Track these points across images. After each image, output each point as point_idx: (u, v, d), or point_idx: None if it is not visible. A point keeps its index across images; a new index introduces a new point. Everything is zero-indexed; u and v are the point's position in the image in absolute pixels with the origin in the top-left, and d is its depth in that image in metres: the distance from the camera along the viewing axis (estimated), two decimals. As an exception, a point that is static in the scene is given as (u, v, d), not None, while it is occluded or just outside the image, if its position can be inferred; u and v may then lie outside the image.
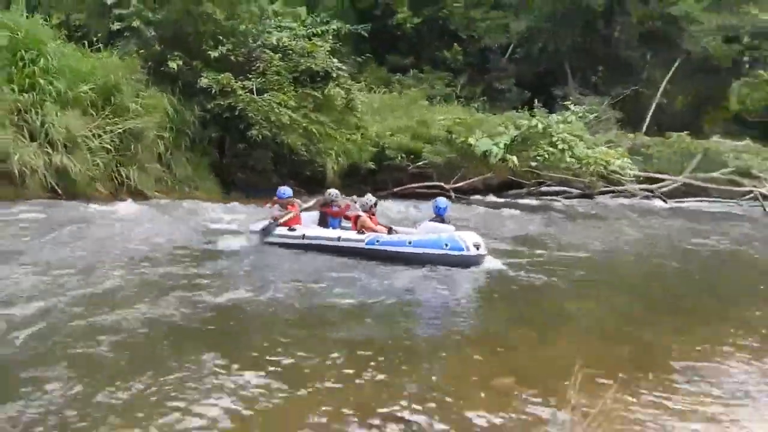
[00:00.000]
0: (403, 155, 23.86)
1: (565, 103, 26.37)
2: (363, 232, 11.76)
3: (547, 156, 22.97)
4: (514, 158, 22.85)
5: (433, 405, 5.07)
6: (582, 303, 9.38)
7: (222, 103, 18.92)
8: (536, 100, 30.11)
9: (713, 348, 7.04)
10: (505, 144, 22.92)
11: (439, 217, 11.72)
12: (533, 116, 23.87)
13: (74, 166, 15.84)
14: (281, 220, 12.19)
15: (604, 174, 23.99)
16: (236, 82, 19.09)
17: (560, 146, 22.95)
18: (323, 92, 20.48)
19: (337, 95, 20.62)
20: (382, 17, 30.72)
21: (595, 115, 30.15)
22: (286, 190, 12.81)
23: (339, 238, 11.78)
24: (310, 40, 21.59)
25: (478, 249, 11.01)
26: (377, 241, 11.46)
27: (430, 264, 10.79)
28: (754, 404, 5.52)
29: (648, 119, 36.08)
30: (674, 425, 5.01)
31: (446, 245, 10.95)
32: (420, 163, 24.05)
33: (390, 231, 11.89)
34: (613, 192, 26.92)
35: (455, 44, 31.70)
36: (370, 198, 12.50)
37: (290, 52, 20.70)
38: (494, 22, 32.64)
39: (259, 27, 21.26)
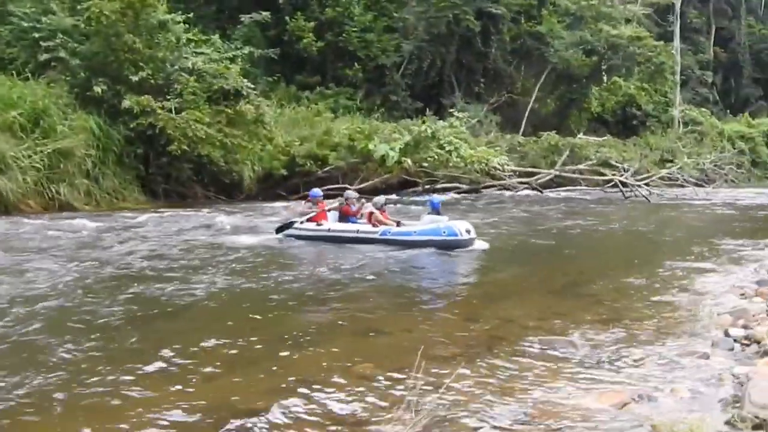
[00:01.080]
0: (311, 162, 24.03)
1: (451, 110, 27.06)
2: (377, 226, 13.04)
3: (436, 157, 23.70)
4: (409, 160, 23.46)
5: (293, 394, 4.79)
6: (457, 284, 9.75)
7: (143, 122, 19.03)
8: (427, 109, 30.76)
9: (566, 322, 6.99)
10: (399, 148, 23.57)
11: (435, 210, 13.17)
12: (423, 123, 24.44)
13: (5, 184, 15.53)
14: (309, 216, 13.42)
15: (486, 170, 24.70)
16: (156, 102, 19.05)
17: (447, 148, 23.71)
18: (235, 109, 20.56)
19: (248, 111, 20.75)
20: (290, 42, 30.86)
21: (477, 120, 31.05)
22: (317, 191, 14.36)
23: (358, 231, 13.11)
24: (222, 63, 21.58)
25: (469, 234, 12.55)
26: (389, 232, 12.89)
27: (432, 248, 12.31)
28: (600, 372, 5.39)
29: (524, 122, 37.40)
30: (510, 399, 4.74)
31: (444, 232, 12.46)
32: (327, 168, 24.31)
33: (398, 224, 13.17)
34: (494, 186, 27.66)
35: (355, 63, 32.04)
36: (381, 198, 14.11)
37: (204, 74, 20.80)
38: (386, 43, 33.17)
39: (175, 53, 21.15)
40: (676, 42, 49.72)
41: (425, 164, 24.37)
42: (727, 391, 4.78)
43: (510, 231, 16.06)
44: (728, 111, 65.04)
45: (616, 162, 30.80)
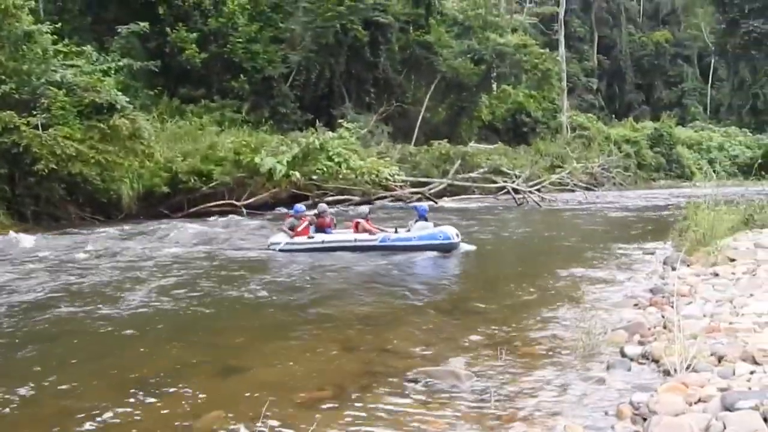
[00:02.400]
0: (195, 178, 23.30)
1: (340, 121, 26.88)
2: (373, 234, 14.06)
3: (325, 169, 23.41)
4: (297, 173, 23.04)
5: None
6: (337, 306, 9.28)
7: (6, 140, 17.65)
8: (317, 121, 30.48)
9: (452, 347, 6.76)
10: (287, 161, 23.22)
11: (422, 217, 14.29)
12: (312, 135, 24.16)
13: None
14: (299, 229, 14.16)
15: (377, 181, 24.58)
16: (20, 119, 17.84)
17: (337, 160, 23.48)
18: (109, 124, 19.59)
19: (123, 125, 19.81)
20: (172, 54, 29.90)
21: (368, 130, 31.02)
22: (300, 207, 15.38)
23: (355, 240, 13.95)
24: (95, 76, 20.61)
25: (458, 237, 13.83)
26: (389, 239, 13.91)
27: (431, 251, 13.43)
28: (487, 407, 5.02)
29: (416, 131, 37.70)
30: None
31: (440, 236, 13.72)
32: (212, 184, 23.58)
33: (396, 230, 14.22)
34: (387, 197, 27.60)
35: (241, 75, 31.42)
36: (365, 209, 15.56)
37: (75, 87, 19.75)
38: (273, 54, 32.77)
39: (42, 66, 20.01)
40: (562, 50, 51.60)
41: (315, 177, 24.05)
42: (627, 429, 4.48)
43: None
44: (613, 116, 67.97)
45: (508, 169, 31.48)
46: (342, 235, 14.36)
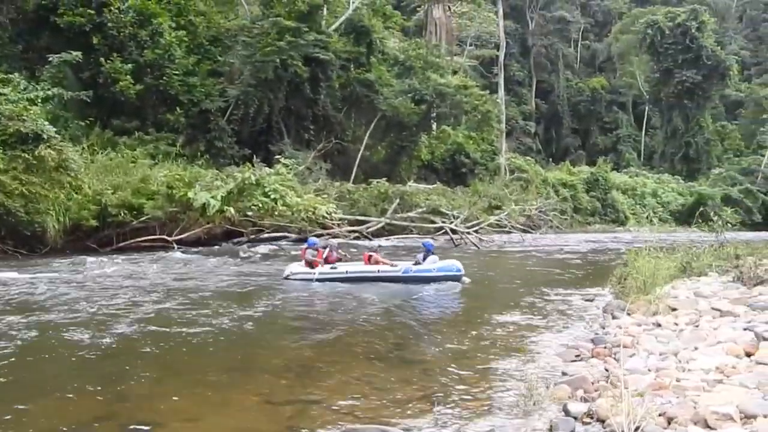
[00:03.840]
0: (126, 211, 22.73)
1: (277, 157, 26.74)
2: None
3: (261, 205, 23.22)
4: (231, 209, 22.74)
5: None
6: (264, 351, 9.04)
7: None
8: (254, 156, 30.27)
9: (384, 401, 6.50)
10: (222, 196, 22.94)
11: (430, 252, 15.92)
12: (247, 170, 23.94)
13: None
14: (316, 261, 15.34)
15: (314, 219, 24.41)
16: (-62, 146, 17.21)
17: (272, 196, 23.30)
18: (34, 154, 18.98)
19: (48, 156, 19.20)
20: (105, 85, 29.36)
21: (306, 167, 30.95)
22: (315, 240, 16.79)
23: (378, 271, 15.43)
24: (21, 105, 20.02)
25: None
26: (410, 270, 15.50)
27: (447, 281, 15.40)
28: None
29: (355, 169, 37.88)
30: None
31: (454, 269, 15.67)
32: (143, 218, 23.06)
33: (416, 263, 15.75)
34: (323, 235, 27.38)
35: (177, 108, 31.03)
36: (374, 243, 18.25)
37: (-1, 116, 19.08)
38: (211, 88, 32.57)
39: (-37, 93, 19.41)
40: (501, 92, 52.89)
41: (250, 213, 23.77)
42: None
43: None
44: (550, 159, 69.60)
45: (446, 209, 31.72)
46: (366, 266, 15.60)
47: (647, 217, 57.76)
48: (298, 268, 15.57)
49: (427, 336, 10.24)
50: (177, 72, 31.57)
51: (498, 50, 58.12)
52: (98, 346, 8.53)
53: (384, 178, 33.07)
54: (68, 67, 27.73)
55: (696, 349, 7.78)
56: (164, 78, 31.09)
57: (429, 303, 13.91)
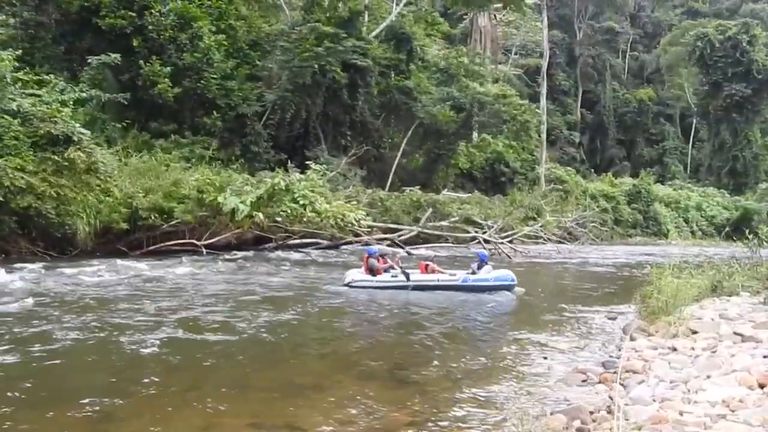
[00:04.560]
0: (156, 215, 22.64)
1: (307, 162, 26.51)
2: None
3: (289, 211, 22.99)
4: (260, 214, 22.52)
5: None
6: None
7: (-47, 169, 17.05)
8: (289, 161, 30.09)
9: (376, 426, 6.34)
10: (251, 201, 22.68)
11: (484, 262, 16.26)
12: (278, 176, 23.75)
13: None
14: (379, 268, 15.71)
15: (341, 225, 24.06)
16: (-31, 148, 17.31)
17: (301, 202, 23.04)
18: (63, 156, 18.97)
19: (78, 158, 19.19)
20: (144, 87, 29.49)
21: (341, 173, 30.73)
22: (375, 248, 17.75)
23: (438, 280, 15.76)
24: (54, 106, 20.07)
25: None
26: (469, 279, 15.76)
27: (502, 290, 15.63)
28: None
29: (391, 176, 37.49)
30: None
31: (509, 278, 15.94)
32: (173, 222, 22.94)
33: (472, 272, 15.97)
34: (353, 242, 27.08)
35: (214, 112, 30.99)
36: (430, 253, 18.04)
37: (31, 117, 19.13)
38: (248, 92, 32.52)
39: (-3, 93, 19.50)
40: (543, 102, 51.92)
41: (278, 218, 23.52)
42: None
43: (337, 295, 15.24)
44: (594, 170, 68.32)
45: (479, 219, 31.14)
46: (427, 275, 15.88)
47: (690, 231, 56.40)
48: (359, 275, 15.85)
49: (437, 353, 9.70)
50: (215, 76, 31.56)
51: (542, 59, 57.19)
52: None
53: (417, 187, 32.63)
54: (108, 69, 27.90)
55: (708, 377, 7.17)
56: (202, 81, 31.07)
57: (441, 316, 13.41)
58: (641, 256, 32.86)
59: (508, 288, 15.91)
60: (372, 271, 15.72)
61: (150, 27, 29.77)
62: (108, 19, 29.03)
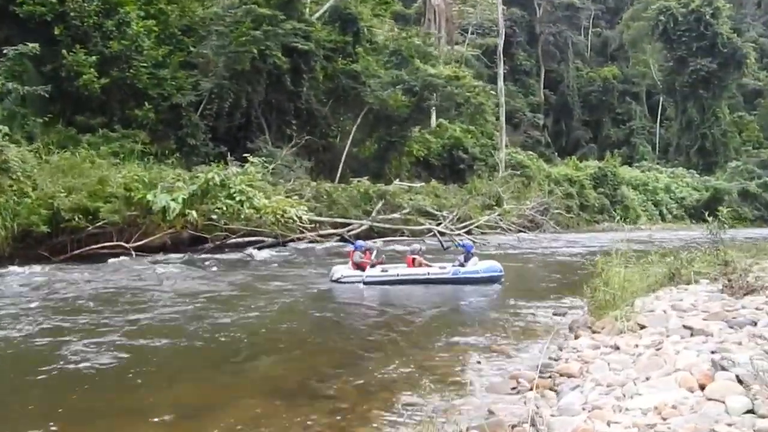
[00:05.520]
0: (81, 216, 21.97)
1: (245, 155, 26.06)
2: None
3: (225, 208, 22.45)
4: (194, 212, 22.01)
5: None
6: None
7: None
8: (229, 154, 29.57)
9: None
10: (183, 199, 22.11)
11: (470, 253, 16.99)
12: (212, 170, 23.28)
13: None
14: (365, 262, 16.41)
15: (281, 222, 23.58)
16: None
17: (238, 198, 22.54)
18: (-30, 154, 18.41)
19: (-14, 156, 18.61)
20: (68, 79, 28.63)
21: (284, 164, 30.28)
22: (362, 242, 18.35)
23: (428, 273, 16.34)
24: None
25: None
26: (459, 272, 16.39)
27: (490, 283, 16.46)
28: None
29: (341, 167, 37.07)
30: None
31: (497, 269, 16.69)
32: (99, 223, 22.30)
33: (460, 265, 16.67)
34: (300, 239, 26.61)
35: (145, 103, 30.27)
36: (416, 246, 18.20)
37: (-65, 114, 18.46)
38: (183, 81, 31.82)
39: None
40: (500, 83, 52.01)
41: (214, 216, 23.01)
42: None
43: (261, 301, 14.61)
44: (559, 154, 68.83)
45: (433, 209, 30.99)
46: (416, 269, 16.43)
47: (660, 214, 57.04)
48: (346, 270, 16.53)
49: (363, 361, 9.33)
50: (145, 64, 30.78)
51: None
52: None
53: (366, 177, 32.29)
54: (27, 60, 27.08)
55: (647, 379, 6.86)
56: (131, 71, 30.26)
57: (368, 317, 13.13)
58: (606, 243, 32.97)
59: (497, 279, 16.63)
60: (359, 266, 16.41)
61: (72, 14, 28.91)
62: (26, 6, 28.11)
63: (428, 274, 16.33)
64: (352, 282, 16.05)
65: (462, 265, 16.72)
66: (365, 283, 15.85)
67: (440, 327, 11.83)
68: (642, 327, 9.31)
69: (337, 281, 16.30)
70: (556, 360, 8.60)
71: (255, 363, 9.36)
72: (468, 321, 12.36)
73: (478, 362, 9.06)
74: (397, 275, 16.22)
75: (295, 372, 8.87)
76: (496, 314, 12.93)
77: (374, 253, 17.49)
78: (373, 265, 16.52)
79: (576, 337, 9.67)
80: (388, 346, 10.34)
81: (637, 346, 8.35)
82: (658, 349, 8.02)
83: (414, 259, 16.67)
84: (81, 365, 8.64)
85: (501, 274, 16.73)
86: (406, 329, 12.01)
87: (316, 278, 17.78)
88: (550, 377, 7.75)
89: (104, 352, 9.27)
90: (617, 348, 8.44)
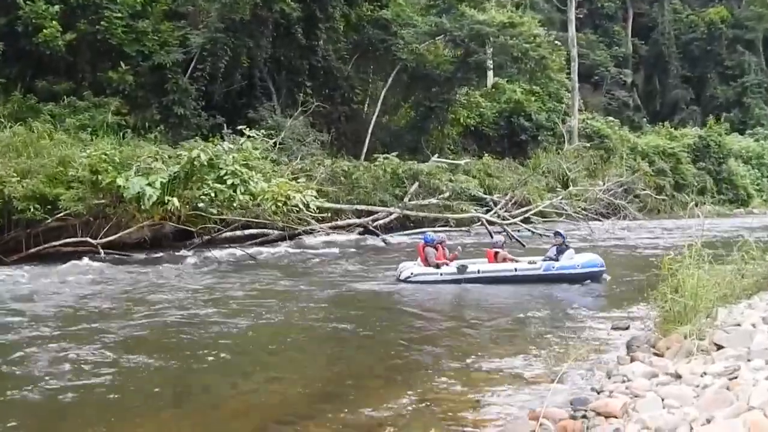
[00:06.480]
0: (37, 206, 22.11)
1: (240, 128, 25.97)
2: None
3: (214, 194, 22.36)
4: (175, 200, 21.96)
5: None
6: None
7: None
8: (225, 126, 29.62)
9: None
10: (162, 183, 22.07)
11: (564, 244, 17.39)
12: (196, 146, 23.25)
13: None
14: (441, 261, 17.17)
15: (285, 211, 23.36)
16: None
17: (230, 181, 22.44)
18: None
19: None
20: (26, 34, 28.83)
21: (293, 137, 30.19)
22: (432, 235, 18.35)
23: (515, 270, 16.95)
24: None
25: None
26: (552, 267, 16.85)
27: (590, 279, 16.73)
28: None
29: (367, 140, 36.74)
30: None
31: (599, 264, 16.95)
32: (60, 214, 22.43)
33: (550, 259, 17.14)
34: (311, 232, 26.41)
35: (121, 63, 30.37)
36: (499, 239, 19.08)
37: None
38: (167, 34, 31.77)
39: None
40: (572, 30, 51.24)
41: (200, 204, 22.96)
42: None
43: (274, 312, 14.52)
44: (653, 119, 67.87)
45: (481, 192, 30.75)
46: (500, 265, 17.09)
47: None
48: (417, 268, 17.14)
49: (362, 381, 9.40)
50: (120, 14, 30.89)
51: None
52: None
53: (394, 153, 31.96)
54: (-26, 13, 27.46)
55: (707, 422, 6.48)
56: (103, 23, 30.33)
57: (394, 331, 12.96)
58: (709, 231, 32.27)
59: (596, 276, 16.88)
60: (429, 262, 17.15)
61: (28, -48, 29.24)
62: (-30, -55, 28.54)
63: (515, 270, 16.92)
64: (426, 281, 16.83)
65: (555, 259, 17.11)
66: (443, 282, 16.69)
67: (474, 344, 11.65)
68: (719, 347, 8.95)
69: (405, 280, 16.93)
70: (599, 392, 8.32)
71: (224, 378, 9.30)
72: (504, 335, 12.17)
73: (507, 392, 8.81)
74: (478, 272, 16.78)
75: (294, 396, 8.84)
76: (544, 326, 12.73)
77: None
78: (449, 261, 17.15)
79: (632, 360, 9.38)
80: (399, 367, 10.24)
81: (704, 374, 7.96)
82: (731, 379, 7.65)
83: (497, 254, 17.26)
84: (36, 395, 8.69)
85: (602, 269, 17.00)
86: (430, 341, 11.96)
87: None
88: (584, 416, 7.46)
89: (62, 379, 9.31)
90: (678, 377, 8.07)
